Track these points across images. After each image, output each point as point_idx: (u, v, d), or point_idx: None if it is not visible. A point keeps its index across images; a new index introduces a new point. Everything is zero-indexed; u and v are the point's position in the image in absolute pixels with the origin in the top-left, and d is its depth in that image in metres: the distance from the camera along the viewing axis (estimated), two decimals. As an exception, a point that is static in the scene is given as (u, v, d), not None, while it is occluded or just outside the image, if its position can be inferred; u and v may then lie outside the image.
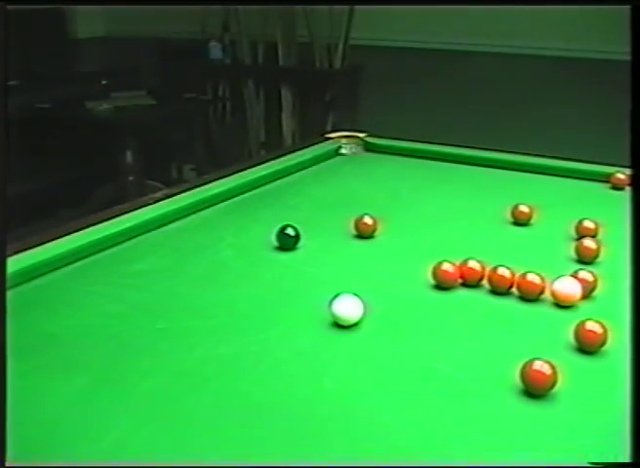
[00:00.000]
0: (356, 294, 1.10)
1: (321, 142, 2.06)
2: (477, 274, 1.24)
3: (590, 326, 1.03)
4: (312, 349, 1.06)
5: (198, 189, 1.67)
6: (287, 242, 1.40)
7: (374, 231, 1.47)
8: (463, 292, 1.23)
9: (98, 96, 3.98)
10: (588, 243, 1.35)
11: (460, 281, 1.24)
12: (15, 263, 1.19)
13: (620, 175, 1.73)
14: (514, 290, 1.21)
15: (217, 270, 1.34)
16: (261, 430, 0.87)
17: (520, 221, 1.53)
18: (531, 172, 1.86)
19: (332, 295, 1.11)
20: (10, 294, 1.03)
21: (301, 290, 1.26)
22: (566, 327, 1.06)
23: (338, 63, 3.91)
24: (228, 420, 0.88)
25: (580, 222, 1.44)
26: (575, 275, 1.20)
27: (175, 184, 1.92)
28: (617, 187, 1.73)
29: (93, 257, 1.35)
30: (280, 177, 1.83)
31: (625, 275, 0.99)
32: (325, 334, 1.09)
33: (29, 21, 3.76)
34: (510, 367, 0.95)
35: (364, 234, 1.47)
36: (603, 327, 1.03)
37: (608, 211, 1.52)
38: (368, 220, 1.47)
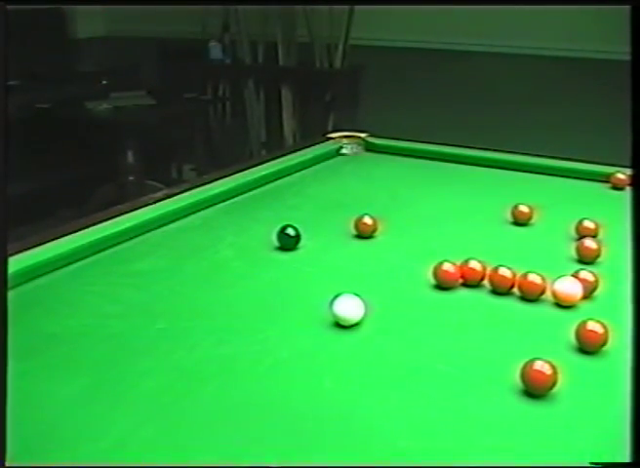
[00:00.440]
0: (357, 295, 1.10)
1: (322, 142, 2.06)
2: (478, 274, 1.24)
3: (591, 326, 1.03)
4: (312, 349, 1.06)
5: (198, 189, 1.67)
6: (287, 242, 1.40)
7: (374, 231, 1.47)
8: (464, 293, 1.23)
9: (97, 96, 3.97)
10: (589, 243, 1.35)
11: (460, 281, 1.24)
12: (15, 263, 1.19)
13: (620, 175, 1.73)
14: (515, 290, 1.21)
15: (217, 270, 1.34)
16: (261, 430, 0.86)
17: (520, 221, 1.53)
18: (531, 172, 1.86)
19: (332, 295, 1.10)
20: (10, 295, 1.02)
21: (302, 289, 1.26)
22: (567, 327, 1.06)
23: (338, 63, 3.91)
24: (228, 420, 0.88)
25: (581, 222, 1.44)
26: (575, 275, 1.20)
27: (175, 184, 1.91)
28: (617, 187, 1.73)
29: (93, 257, 1.35)
30: (280, 177, 1.83)
31: (626, 275, 0.99)
32: (325, 334, 1.09)
33: (29, 21, 3.76)
34: (511, 367, 0.95)
35: (364, 234, 1.47)
36: (604, 327, 1.03)
37: (608, 211, 1.52)
38: (368, 220, 1.47)
